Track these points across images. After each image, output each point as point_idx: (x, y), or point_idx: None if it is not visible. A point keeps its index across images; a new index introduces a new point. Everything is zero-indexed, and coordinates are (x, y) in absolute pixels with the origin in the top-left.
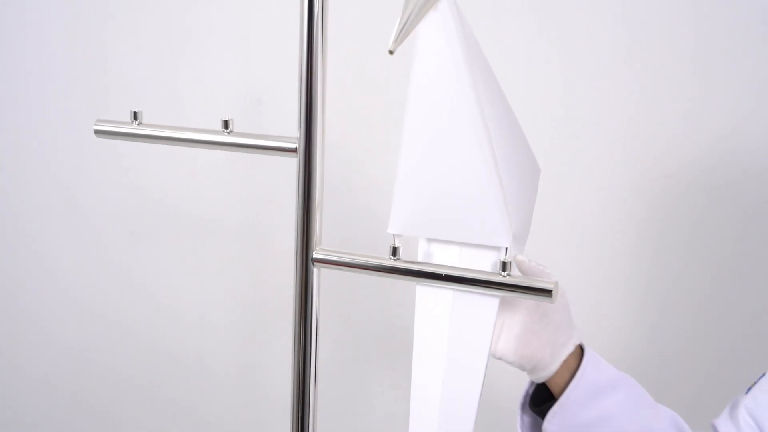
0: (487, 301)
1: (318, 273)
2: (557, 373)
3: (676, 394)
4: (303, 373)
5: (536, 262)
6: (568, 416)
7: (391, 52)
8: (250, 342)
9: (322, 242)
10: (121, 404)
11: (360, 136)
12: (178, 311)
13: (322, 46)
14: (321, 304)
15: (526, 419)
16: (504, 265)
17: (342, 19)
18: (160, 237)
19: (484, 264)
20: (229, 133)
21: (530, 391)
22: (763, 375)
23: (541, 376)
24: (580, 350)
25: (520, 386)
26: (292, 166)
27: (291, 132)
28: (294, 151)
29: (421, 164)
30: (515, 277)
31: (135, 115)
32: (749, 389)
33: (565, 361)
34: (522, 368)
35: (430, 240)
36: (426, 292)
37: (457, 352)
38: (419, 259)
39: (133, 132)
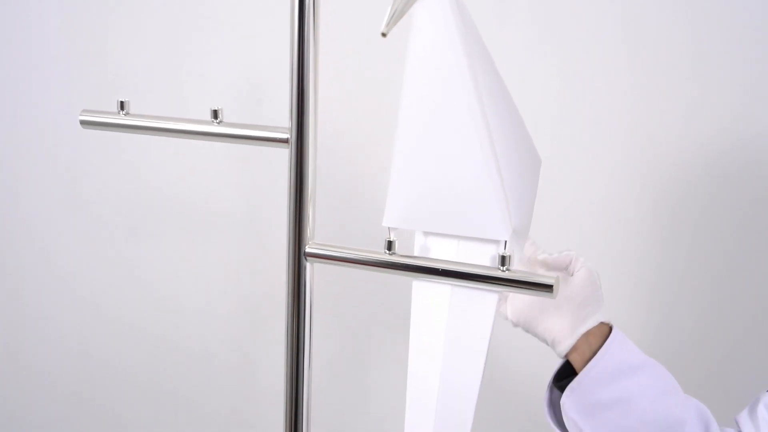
0: (486, 297)
1: (311, 268)
2: (578, 350)
3: (685, 390)
4: (296, 369)
5: (558, 251)
6: (585, 394)
7: (383, 35)
8: (251, 334)
9: (315, 236)
10: (120, 397)
11: (355, 125)
12: (177, 304)
13: (314, 32)
14: (315, 299)
15: (553, 396)
16: (503, 260)
17: (335, 5)
18: (160, 230)
19: (482, 258)
20: (218, 123)
21: (557, 368)
22: None
23: (561, 350)
24: (608, 331)
25: (534, 374)
26: (286, 157)
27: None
28: (286, 141)
29: (417, 155)
30: (515, 271)
31: (122, 105)
32: None
33: (587, 339)
34: (544, 340)
35: (426, 233)
36: (422, 287)
37: (454, 350)
38: (416, 254)
39: (119, 122)
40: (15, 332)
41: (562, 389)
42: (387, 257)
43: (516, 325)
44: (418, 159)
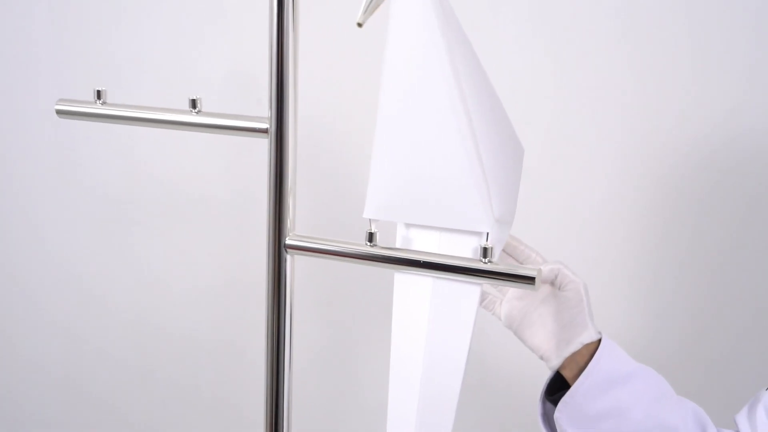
0: (469, 289)
1: (292, 260)
2: (566, 368)
3: (680, 392)
4: (276, 362)
5: (543, 261)
6: (578, 407)
7: (359, 25)
8: (238, 321)
9: (295, 228)
10: (109, 381)
11: (336, 116)
12: (165, 290)
13: (293, 22)
14: (298, 291)
15: (546, 408)
16: (485, 251)
17: None
18: (148, 218)
19: (464, 250)
20: (197, 113)
21: (548, 380)
22: None
23: (550, 366)
24: (597, 344)
25: (528, 376)
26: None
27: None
28: (265, 131)
29: (396, 145)
30: (497, 263)
31: (99, 95)
32: None
33: (574, 358)
34: (536, 354)
35: (408, 225)
36: (404, 279)
37: (437, 343)
38: (397, 245)
39: (96, 112)
40: (3, 318)
41: (555, 402)
42: (368, 249)
43: (508, 328)
44: (398, 149)
